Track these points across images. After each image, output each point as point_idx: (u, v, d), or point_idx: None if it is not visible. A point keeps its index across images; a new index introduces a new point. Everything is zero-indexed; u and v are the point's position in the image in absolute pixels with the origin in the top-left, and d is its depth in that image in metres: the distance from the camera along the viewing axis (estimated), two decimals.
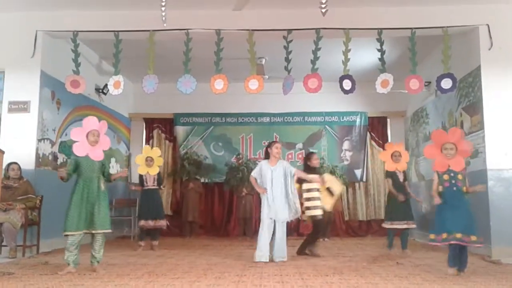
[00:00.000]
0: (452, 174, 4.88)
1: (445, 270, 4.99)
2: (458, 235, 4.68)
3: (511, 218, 6.47)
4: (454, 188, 4.86)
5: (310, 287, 4.21)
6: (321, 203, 6.58)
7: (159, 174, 7.69)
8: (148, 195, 7.58)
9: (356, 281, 4.53)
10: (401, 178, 7.00)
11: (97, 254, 5.07)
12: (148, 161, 7.50)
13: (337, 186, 6.99)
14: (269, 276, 4.78)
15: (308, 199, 6.53)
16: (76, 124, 8.33)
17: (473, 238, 4.68)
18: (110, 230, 5.13)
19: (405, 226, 6.81)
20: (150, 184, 7.60)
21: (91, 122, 5.15)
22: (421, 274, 4.91)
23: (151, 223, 7.42)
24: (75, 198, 5.01)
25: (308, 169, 6.68)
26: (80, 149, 5.03)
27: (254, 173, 6.26)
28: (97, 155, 5.09)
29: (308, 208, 6.51)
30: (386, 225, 6.94)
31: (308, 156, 6.89)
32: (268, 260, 5.92)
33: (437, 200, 4.91)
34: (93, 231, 5.02)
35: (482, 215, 6.61)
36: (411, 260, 6.09)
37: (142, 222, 7.43)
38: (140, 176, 7.65)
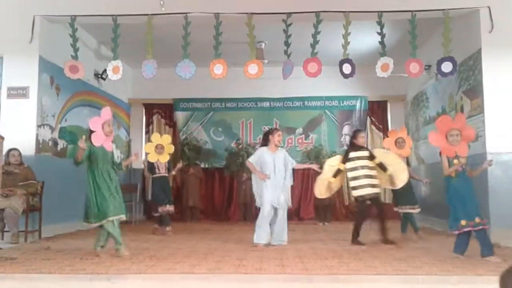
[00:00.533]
0: (460, 160, 4.89)
1: (444, 253, 5.04)
2: (478, 220, 4.74)
3: (510, 201, 6.48)
4: (466, 174, 4.92)
5: (310, 270, 4.26)
6: (373, 181, 6.10)
7: (169, 161, 7.80)
8: (162, 182, 7.73)
9: (356, 264, 4.57)
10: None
11: (119, 239, 5.15)
12: (158, 149, 7.56)
13: (391, 159, 6.33)
14: (269, 260, 4.82)
15: (354, 178, 6.12)
16: (76, 110, 8.35)
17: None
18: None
19: (409, 210, 6.84)
20: (163, 171, 7.75)
21: (108, 112, 5.20)
22: (420, 257, 4.95)
23: (170, 208, 7.61)
24: (103, 187, 5.08)
25: (353, 147, 6.30)
26: (97, 139, 5.05)
27: (252, 159, 6.22)
28: (109, 145, 5.21)
29: (354, 188, 6.14)
30: (397, 209, 7.00)
31: (354, 135, 6.45)
32: (267, 243, 5.96)
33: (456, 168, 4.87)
34: (122, 217, 5.18)
35: (481, 198, 6.59)
36: (411, 244, 6.14)
37: (162, 208, 7.56)
38: (151, 164, 7.73)
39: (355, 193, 6.19)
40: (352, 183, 6.16)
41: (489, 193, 6.56)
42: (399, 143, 6.95)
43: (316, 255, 5.15)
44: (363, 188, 6.07)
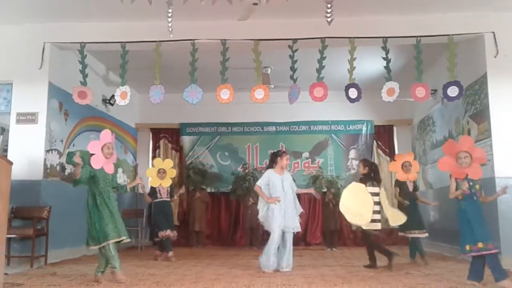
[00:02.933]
0: (471, 183, 4.84)
1: (455, 279, 4.96)
2: (483, 245, 4.67)
3: None
4: (474, 198, 4.84)
5: None
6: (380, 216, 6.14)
7: (171, 186, 7.77)
8: (163, 207, 7.68)
9: None
10: (410, 187, 7.00)
11: (117, 262, 5.07)
12: (160, 173, 7.57)
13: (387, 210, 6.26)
14: (277, 286, 4.76)
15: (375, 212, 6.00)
16: (84, 135, 8.40)
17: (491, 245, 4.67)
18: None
19: (417, 235, 6.76)
20: (164, 196, 7.70)
21: (107, 135, 5.23)
22: (431, 284, 4.87)
23: (170, 233, 7.52)
24: (105, 210, 5.07)
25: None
26: (96, 162, 5.07)
27: (261, 183, 6.10)
28: (110, 168, 5.19)
29: (373, 220, 5.99)
30: (403, 234, 6.94)
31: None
32: (275, 268, 5.89)
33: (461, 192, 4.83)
34: (124, 239, 5.13)
35: (491, 224, 6.51)
36: (421, 270, 6.04)
37: (163, 233, 7.47)
38: (153, 189, 7.71)
39: (371, 226, 6.03)
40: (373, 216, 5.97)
41: (499, 218, 6.48)
42: (405, 167, 6.92)
43: (324, 281, 5.07)
44: (374, 222, 6.05)
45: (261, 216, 6.11)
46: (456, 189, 4.86)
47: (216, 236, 10.80)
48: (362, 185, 6.05)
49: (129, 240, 5.22)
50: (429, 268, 6.26)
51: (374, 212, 5.94)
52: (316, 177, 10.18)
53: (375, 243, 6.37)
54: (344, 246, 10.06)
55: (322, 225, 10.03)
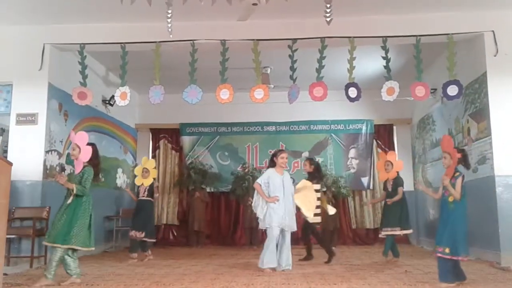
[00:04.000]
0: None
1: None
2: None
3: None
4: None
5: None
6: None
7: (151, 185, 7.64)
8: (140, 206, 7.57)
9: None
10: (389, 187, 7.02)
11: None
12: (144, 172, 7.57)
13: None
14: (277, 285, 4.77)
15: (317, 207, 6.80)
16: None
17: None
18: None
19: (389, 233, 6.82)
20: (141, 194, 7.61)
21: (71, 136, 5.22)
22: (430, 282, 4.88)
23: (139, 234, 7.30)
24: (92, 215, 5.05)
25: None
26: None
27: (260, 180, 6.11)
28: (77, 168, 5.12)
29: (316, 214, 6.77)
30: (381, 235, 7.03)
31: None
32: (275, 266, 5.90)
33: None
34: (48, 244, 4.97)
35: (490, 222, 6.56)
36: (420, 268, 6.05)
37: (132, 233, 7.34)
38: (137, 187, 7.73)
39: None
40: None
41: (498, 217, 6.48)
42: (386, 166, 6.99)
43: (324, 280, 5.08)
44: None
45: (260, 213, 6.09)
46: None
47: (215, 236, 10.80)
48: (309, 182, 6.74)
49: (55, 245, 4.87)
50: (429, 266, 6.26)
51: (317, 207, 6.70)
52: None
53: (319, 237, 7.12)
54: (344, 245, 10.07)
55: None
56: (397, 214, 6.82)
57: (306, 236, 7.27)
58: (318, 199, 6.81)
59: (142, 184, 7.60)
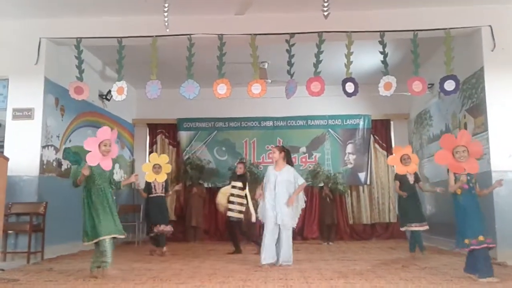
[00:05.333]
0: (468, 177, 4.84)
1: (451, 272, 4.97)
2: (483, 238, 4.65)
3: None
4: (472, 192, 4.84)
5: None
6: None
7: (166, 181, 7.74)
8: (158, 202, 7.66)
9: (361, 284, 4.52)
10: (411, 180, 6.97)
11: (108, 259, 5.04)
12: (156, 168, 7.53)
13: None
14: (274, 281, 4.77)
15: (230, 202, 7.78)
16: (80, 131, 8.38)
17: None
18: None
19: (416, 228, 6.76)
20: (159, 191, 7.68)
21: (105, 132, 5.20)
22: (427, 277, 4.89)
23: (164, 228, 7.51)
24: (99, 207, 5.06)
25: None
26: (92, 159, 5.03)
27: (264, 178, 6.33)
28: (107, 164, 5.13)
29: (230, 209, 7.76)
30: (403, 229, 6.97)
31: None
32: (273, 261, 5.91)
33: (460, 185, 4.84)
34: (118, 236, 5.09)
35: (487, 217, 6.54)
36: (417, 263, 6.06)
37: (157, 228, 7.47)
38: (148, 184, 7.69)
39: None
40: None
41: (495, 212, 6.50)
42: (404, 160, 6.91)
43: (321, 276, 5.09)
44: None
45: (258, 208, 6.32)
46: (455, 183, 4.86)
47: (213, 231, 10.80)
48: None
49: (123, 236, 5.15)
50: (425, 261, 6.28)
51: (229, 202, 7.66)
52: (315, 172, 10.21)
53: (232, 231, 7.78)
54: (341, 240, 10.10)
55: (319, 220, 10.06)
56: (420, 209, 6.90)
57: (231, 232, 7.94)
58: (239, 196, 7.69)
59: (155, 179, 7.58)
